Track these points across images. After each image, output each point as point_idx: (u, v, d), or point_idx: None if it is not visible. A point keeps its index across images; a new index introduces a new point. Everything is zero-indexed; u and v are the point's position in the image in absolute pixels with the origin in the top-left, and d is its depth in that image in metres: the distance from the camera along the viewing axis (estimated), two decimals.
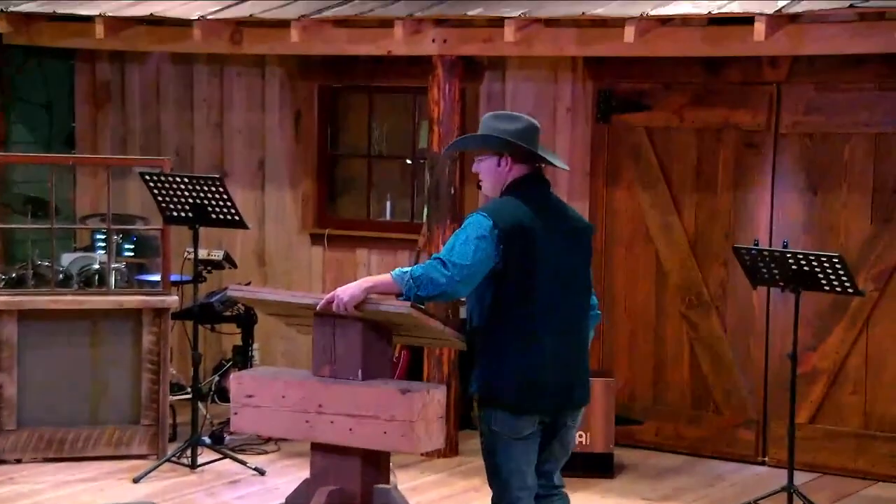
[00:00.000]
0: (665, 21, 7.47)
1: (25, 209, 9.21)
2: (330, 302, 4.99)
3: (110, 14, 8.73)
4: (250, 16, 8.35)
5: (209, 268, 8.87)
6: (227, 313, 8.76)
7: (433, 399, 5.03)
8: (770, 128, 8.16)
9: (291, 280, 9.67)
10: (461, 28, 8.05)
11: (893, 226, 7.88)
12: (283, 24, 8.25)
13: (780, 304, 8.03)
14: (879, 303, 7.93)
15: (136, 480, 7.56)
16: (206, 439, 8.14)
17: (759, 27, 7.03)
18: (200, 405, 8.13)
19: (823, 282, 6.82)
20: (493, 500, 5.17)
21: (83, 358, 7.95)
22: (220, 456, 7.88)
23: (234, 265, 9.10)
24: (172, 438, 8.19)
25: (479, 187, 5.24)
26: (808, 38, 7.32)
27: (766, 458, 8.27)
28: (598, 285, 8.22)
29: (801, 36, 7.31)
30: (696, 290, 8.42)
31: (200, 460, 7.82)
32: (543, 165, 5.22)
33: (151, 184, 7.72)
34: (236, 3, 8.58)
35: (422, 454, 7.79)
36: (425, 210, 8.44)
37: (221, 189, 7.66)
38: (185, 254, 8.57)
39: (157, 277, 8.52)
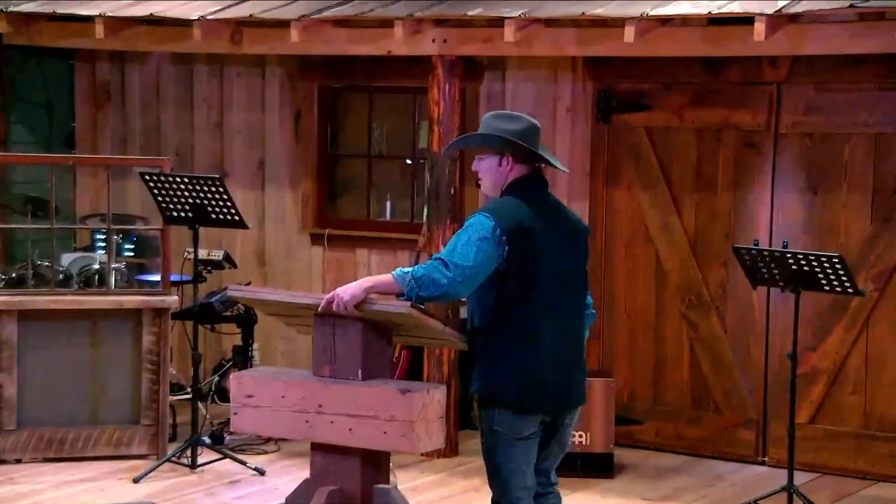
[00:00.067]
0: (665, 21, 7.47)
1: (25, 209, 9.20)
2: (330, 302, 4.99)
3: (110, 14, 8.72)
4: (250, 16, 8.34)
5: (209, 268, 8.87)
6: (227, 313, 8.75)
7: (433, 399, 5.03)
8: (770, 128, 8.15)
9: (291, 280, 9.67)
10: (461, 28, 8.05)
11: (893, 226, 7.88)
12: (283, 24, 8.24)
13: (780, 304, 8.03)
14: (879, 303, 7.93)
15: (136, 480, 7.56)
16: (206, 439, 8.14)
17: (759, 27, 7.03)
18: (200, 405, 8.12)
19: (823, 282, 6.82)
20: (493, 499, 5.17)
21: (83, 358, 7.95)
22: (220, 456, 7.88)
23: (234, 265, 9.09)
24: (172, 438, 8.19)
25: (479, 186, 5.25)
26: (808, 38, 7.32)
27: (766, 458, 8.26)
28: (597, 285, 8.29)
29: (801, 36, 7.31)
30: (696, 290, 8.41)
31: (200, 460, 7.82)
32: (543, 166, 5.23)
33: (151, 184, 7.72)
34: (236, 3, 8.57)
35: (422, 454, 7.78)
36: (425, 210, 8.44)
37: (221, 189, 7.65)
38: (185, 254, 8.57)
39: (157, 277, 8.52)
